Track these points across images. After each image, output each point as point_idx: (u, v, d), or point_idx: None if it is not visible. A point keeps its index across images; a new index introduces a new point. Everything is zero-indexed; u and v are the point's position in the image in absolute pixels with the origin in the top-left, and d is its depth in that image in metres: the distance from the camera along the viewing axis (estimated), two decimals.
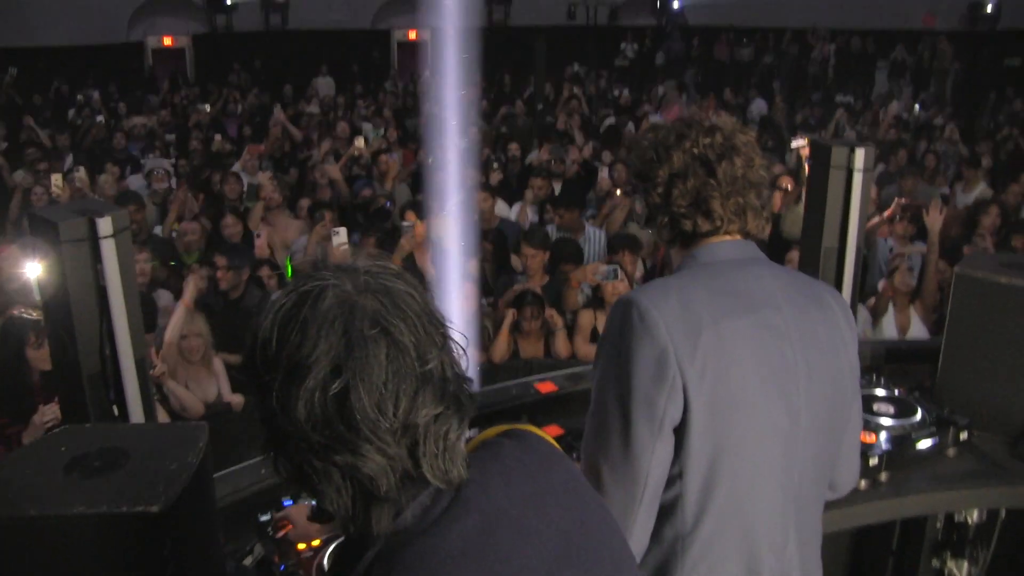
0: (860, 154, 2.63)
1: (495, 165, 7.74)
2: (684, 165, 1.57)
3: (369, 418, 0.94)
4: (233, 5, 16.77)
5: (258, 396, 1.00)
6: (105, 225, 1.95)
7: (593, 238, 5.77)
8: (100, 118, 10.64)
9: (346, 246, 4.88)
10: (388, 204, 6.72)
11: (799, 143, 6.70)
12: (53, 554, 1.34)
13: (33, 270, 3.91)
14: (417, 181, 7.56)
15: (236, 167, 7.65)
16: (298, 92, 13.28)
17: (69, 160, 8.36)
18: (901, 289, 4.55)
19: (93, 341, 1.98)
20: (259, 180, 7.02)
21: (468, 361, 1.07)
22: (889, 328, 4.51)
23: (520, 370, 4.18)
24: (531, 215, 6.49)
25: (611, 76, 15.35)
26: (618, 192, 6.42)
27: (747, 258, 1.59)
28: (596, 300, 4.62)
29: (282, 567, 1.88)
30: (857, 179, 2.65)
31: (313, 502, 2.01)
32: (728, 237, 1.60)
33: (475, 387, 1.08)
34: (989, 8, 16.20)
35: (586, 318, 4.56)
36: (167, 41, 16.95)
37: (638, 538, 1.51)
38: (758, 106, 12.47)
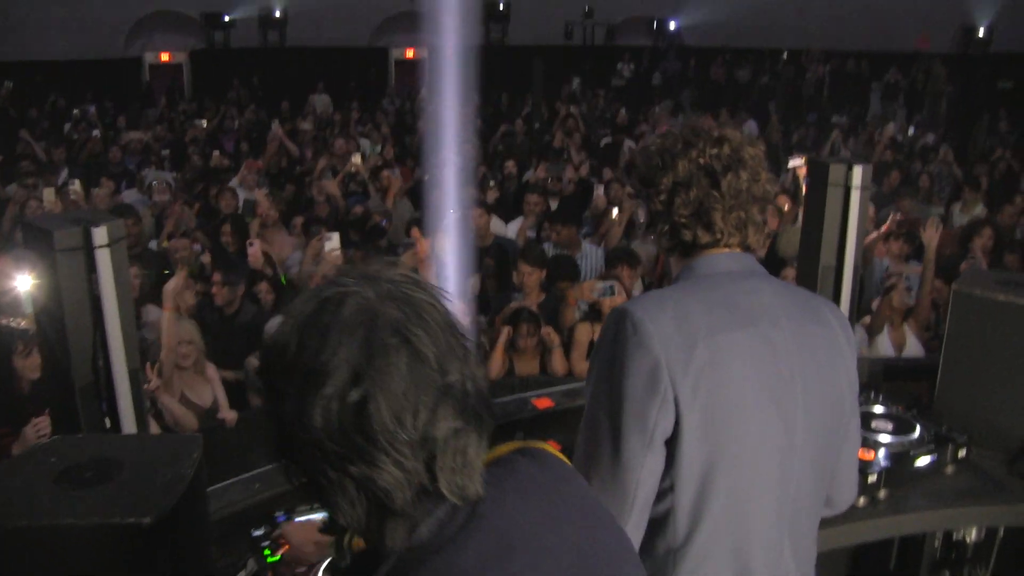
0: (858, 172, 2.65)
1: (491, 183, 7.75)
2: (689, 174, 1.55)
3: (387, 429, 0.92)
4: (231, 22, 16.88)
5: (273, 403, 0.97)
6: (101, 235, 1.94)
7: (590, 255, 5.75)
8: (96, 132, 10.64)
9: (338, 251, 4.84)
10: (384, 222, 6.71)
11: (796, 163, 6.71)
12: (43, 565, 1.32)
13: (24, 283, 3.90)
14: (414, 198, 7.58)
15: (233, 182, 7.65)
16: (295, 109, 13.32)
17: (64, 174, 8.35)
18: (899, 308, 4.55)
19: (86, 351, 1.96)
20: (255, 196, 7.01)
21: None
22: (885, 346, 4.51)
23: (516, 388, 4.14)
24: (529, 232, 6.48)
25: (608, 96, 15.43)
26: (614, 211, 6.42)
27: (746, 271, 1.57)
28: (593, 313, 4.57)
29: None
30: (855, 197, 2.66)
31: (311, 518, 1.99)
32: (728, 250, 1.57)
33: None
34: (982, 32, 16.37)
35: (583, 332, 4.52)
36: (164, 57, 17.06)
37: None
38: (750, 127, 12.53)
